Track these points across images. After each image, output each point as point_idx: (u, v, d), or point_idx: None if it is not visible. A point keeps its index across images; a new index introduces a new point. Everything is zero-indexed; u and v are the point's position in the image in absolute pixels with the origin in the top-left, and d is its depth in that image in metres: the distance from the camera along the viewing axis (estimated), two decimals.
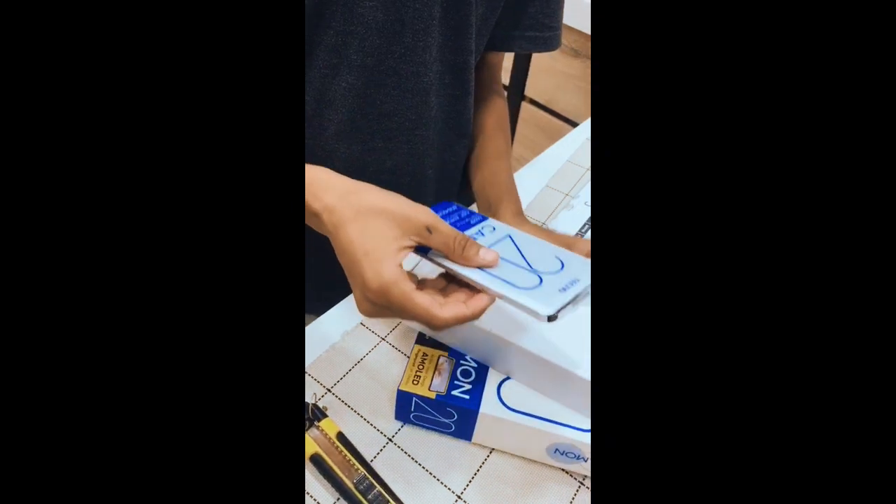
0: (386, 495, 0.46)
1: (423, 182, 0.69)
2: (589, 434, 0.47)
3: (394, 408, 0.51)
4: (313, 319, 0.61)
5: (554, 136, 1.37)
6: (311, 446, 0.48)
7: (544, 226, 0.75)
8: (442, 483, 0.49)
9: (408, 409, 0.49)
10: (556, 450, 0.48)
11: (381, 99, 0.60)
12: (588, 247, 0.53)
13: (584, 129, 0.97)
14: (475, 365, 0.51)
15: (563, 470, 0.50)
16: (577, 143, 0.92)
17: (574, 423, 0.47)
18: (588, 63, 1.35)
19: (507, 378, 0.50)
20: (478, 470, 0.50)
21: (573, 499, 0.48)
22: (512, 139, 1.62)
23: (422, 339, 0.53)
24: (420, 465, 0.50)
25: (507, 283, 0.42)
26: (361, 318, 0.60)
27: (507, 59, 1.50)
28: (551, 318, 0.39)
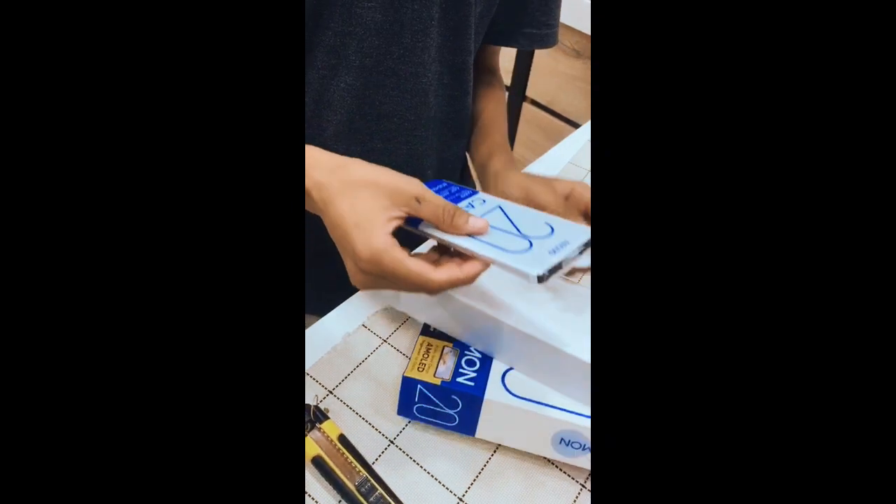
0: (387, 498, 0.46)
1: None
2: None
3: (395, 409, 0.51)
4: (314, 320, 0.61)
5: (555, 138, 1.37)
6: (312, 448, 0.48)
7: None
8: (443, 485, 0.49)
9: (411, 399, 0.49)
10: (562, 439, 0.47)
11: (380, 100, 0.60)
12: (586, 192, 0.53)
13: (586, 131, 0.97)
14: (479, 355, 0.51)
15: (564, 472, 0.50)
16: (578, 145, 0.92)
17: (579, 410, 0.47)
18: (590, 64, 1.35)
19: (511, 368, 0.50)
20: (479, 472, 0.50)
21: (574, 501, 0.48)
22: (513, 140, 1.62)
23: (426, 331, 0.53)
24: (422, 467, 0.49)
25: (498, 248, 0.42)
26: (363, 320, 0.60)
27: (509, 60, 1.50)
28: (541, 279, 0.40)
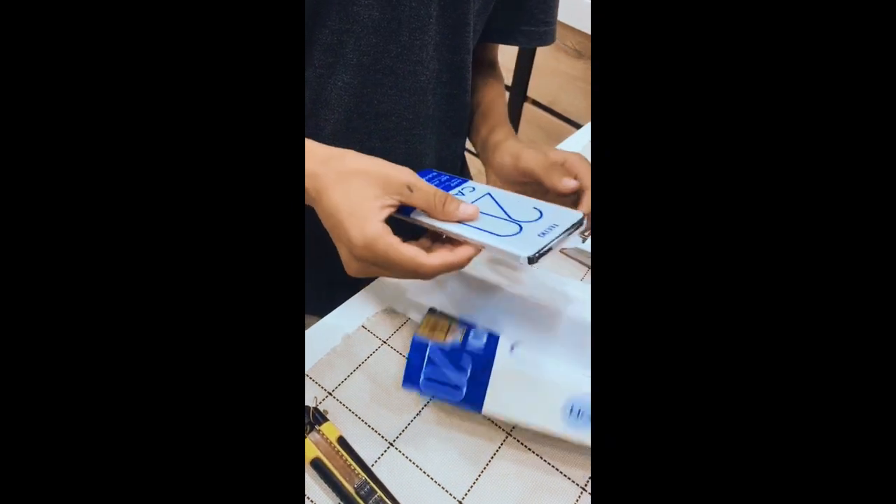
0: (387, 500, 0.46)
1: None
2: None
3: (394, 409, 0.51)
4: (314, 320, 0.60)
5: (556, 138, 1.37)
6: (311, 450, 0.47)
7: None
8: (443, 488, 0.48)
9: (419, 364, 0.47)
10: (572, 408, 0.46)
11: (378, 98, 0.60)
12: (580, 162, 0.53)
13: (587, 132, 0.96)
14: (486, 332, 0.50)
15: (564, 475, 0.50)
16: (579, 146, 0.91)
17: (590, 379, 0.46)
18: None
19: (518, 344, 0.50)
20: (479, 475, 0.49)
21: (575, 503, 0.48)
22: None
23: (432, 312, 0.52)
24: (421, 469, 0.49)
25: (489, 232, 0.44)
26: (363, 321, 0.60)
27: (511, 60, 1.50)
28: (532, 261, 0.41)
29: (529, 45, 0.70)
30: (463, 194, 0.50)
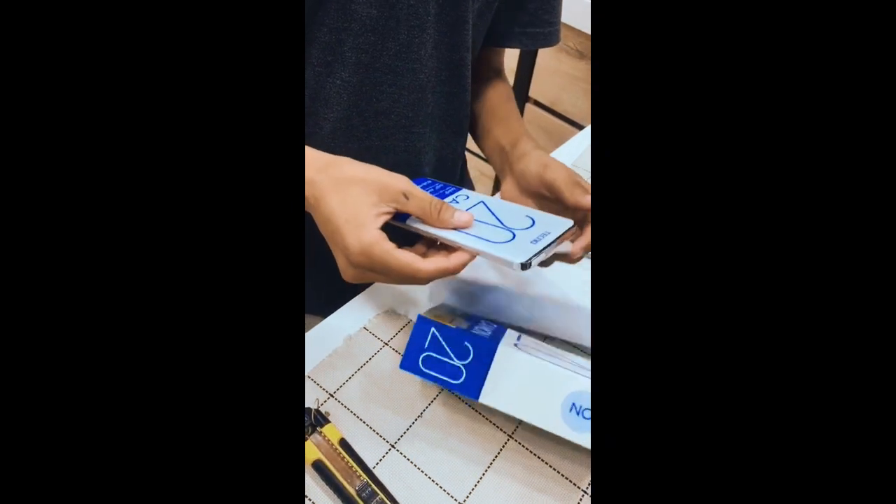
0: (388, 502, 0.45)
1: None
2: None
3: (396, 411, 0.50)
4: (315, 320, 0.60)
5: (558, 139, 1.37)
6: (313, 452, 0.47)
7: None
8: (444, 490, 0.48)
9: (420, 345, 0.47)
10: (573, 405, 0.45)
11: (377, 97, 0.60)
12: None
13: (589, 133, 0.96)
14: (490, 331, 0.50)
15: (565, 477, 0.50)
16: (581, 147, 0.91)
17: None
18: None
19: (522, 338, 0.50)
20: (481, 477, 0.49)
21: None
22: None
23: (442, 306, 0.53)
24: (423, 472, 0.49)
25: (483, 239, 0.45)
26: (364, 322, 0.60)
27: (512, 61, 1.50)
28: (524, 267, 0.42)
29: (534, 46, 0.70)
30: (457, 202, 0.51)
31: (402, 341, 0.59)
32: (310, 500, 0.46)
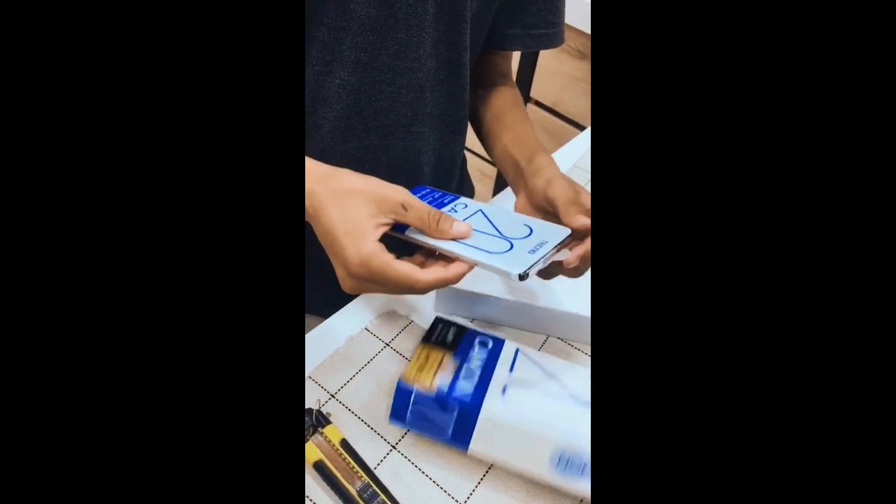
0: (389, 503, 0.46)
1: (421, 179, 0.69)
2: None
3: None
4: (317, 321, 0.60)
5: (559, 140, 1.37)
6: (314, 453, 0.47)
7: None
8: (445, 492, 0.48)
9: (405, 405, 0.48)
10: (560, 457, 0.46)
11: (376, 95, 0.60)
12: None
13: (590, 135, 0.96)
14: (480, 368, 0.50)
15: None
16: (583, 148, 0.91)
17: (580, 433, 0.46)
18: None
19: (511, 383, 0.49)
20: (482, 479, 0.49)
21: None
22: None
23: (428, 339, 0.52)
24: (424, 473, 0.49)
25: (481, 250, 0.45)
26: (366, 323, 0.60)
27: (513, 61, 1.50)
28: (522, 277, 0.42)
29: (539, 47, 0.70)
30: (456, 211, 0.51)
31: (403, 342, 0.59)
32: (311, 500, 0.46)
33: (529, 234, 0.48)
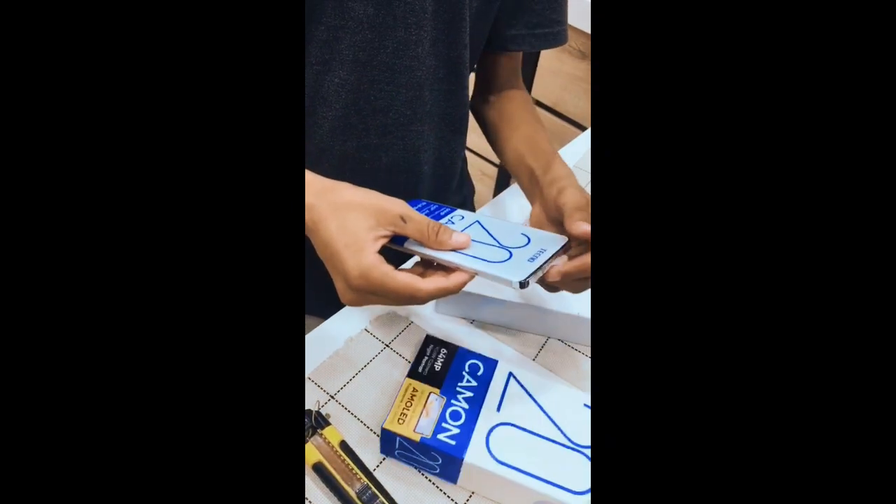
0: None
1: (420, 179, 0.69)
2: (578, 497, 0.45)
3: None
4: (316, 322, 0.60)
5: (560, 140, 1.37)
6: (313, 454, 0.47)
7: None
8: (445, 493, 0.48)
9: (392, 446, 0.49)
10: None
11: (375, 94, 0.60)
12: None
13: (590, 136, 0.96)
14: (466, 406, 0.49)
15: None
16: (584, 148, 0.91)
17: (564, 484, 0.45)
18: None
19: (498, 425, 0.48)
20: None
21: None
22: None
23: (414, 372, 0.52)
24: (423, 474, 0.49)
25: (481, 259, 0.45)
26: (365, 324, 0.60)
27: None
28: (523, 285, 0.43)
29: (544, 47, 0.69)
30: (453, 222, 0.52)
31: (402, 343, 0.59)
32: (310, 502, 0.46)
33: (527, 243, 0.48)
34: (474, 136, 0.75)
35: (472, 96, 0.76)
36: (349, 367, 0.56)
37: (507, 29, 0.67)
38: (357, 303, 0.44)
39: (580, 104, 1.43)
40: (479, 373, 0.52)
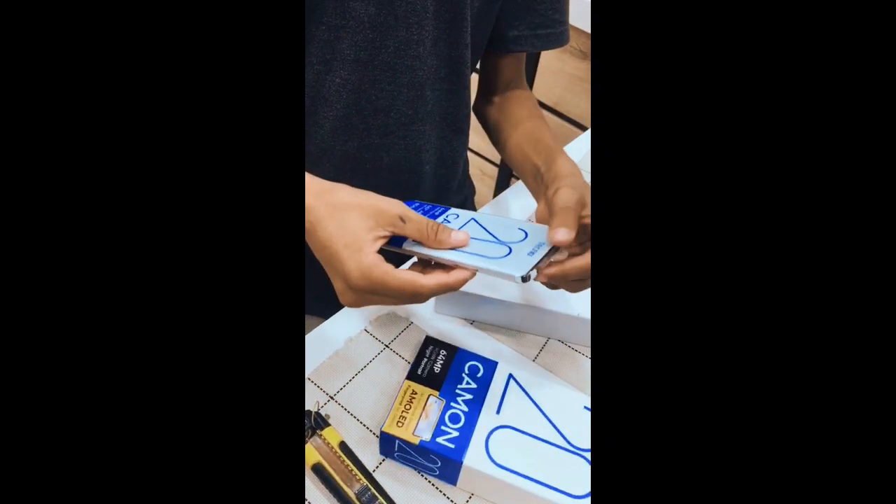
0: None
1: (422, 178, 0.69)
2: (578, 501, 0.45)
3: None
4: (316, 322, 0.60)
5: (561, 140, 1.36)
6: (312, 455, 0.47)
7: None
8: (444, 494, 0.48)
9: (391, 448, 0.48)
10: None
11: (376, 94, 0.60)
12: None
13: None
14: (466, 409, 0.49)
15: None
16: (584, 148, 0.91)
17: (564, 488, 0.45)
18: None
19: (498, 428, 0.48)
20: None
21: None
22: None
23: (413, 374, 0.51)
24: (422, 475, 0.49)
25: (481, 256, 0.45)
26: (365, 324, 0.60)
27: None
28: (525, 279, 0.43)
29: (547, 47, 0.69)
30: (448, 221, 0.52)
31: (402, 344, 0.58)
32: (309, 503, 0.46)
33: (525, 238, 0.48)
34: (474, 136, 0.75)
35: (476, 98, 0.76)
36: (349, 368, 0.56)
37: (510, 30, 0.66)
38: (357, 303, 0.44)
39: (581, 104, 1.43)
40: (479, 374, 0.52)
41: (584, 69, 1.39)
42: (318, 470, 0.47)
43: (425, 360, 0.52)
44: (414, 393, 0.50)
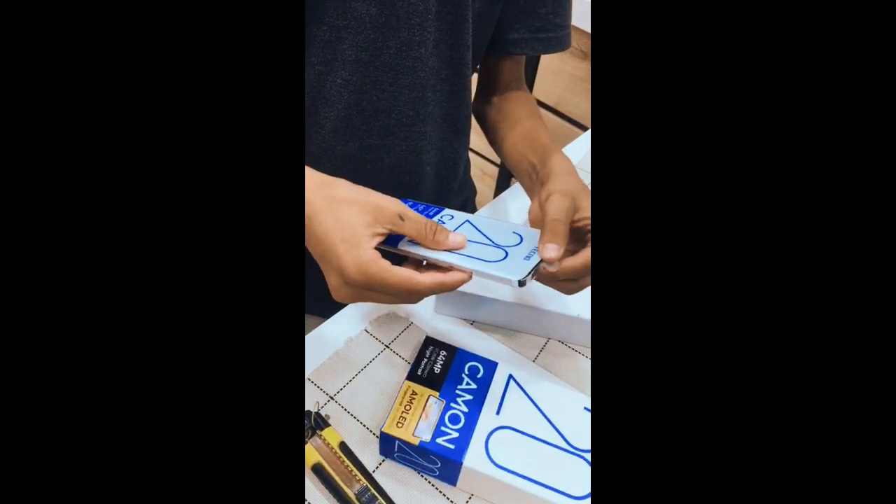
0: None
1: (423, 179, 0.69)
2: (578, 502, 0.45)
3: None
4: (316, 322, 0.60)
5: (562, 140, 1.36)
6: (312, 456, 0.47)
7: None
8: (444, 495, 0.48)
9: (391, 449, 0.48)
10: None
11: (377, 95, 0.60)
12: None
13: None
14: (466, 410, 0.49)
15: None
16: (584, 148, 0.91)
17: (563, 488, 0.45)
18: None
19: (498, 428, 0.48)
20: None
21: None
22: None
23: (413, 374, 0.51)
24: (422, 476, 0.49)
25: (478, 259, 0.45)
26: (365, 325, 0.60)
27: None
28: (522, 283, 0.43)
29: (547, 51, 0.69)
30: (443, 222, 0.51)
31: (402, 344, 0.58)
32: (309, 503, 0.46)
33: (520, 242, 0.48)
34: (475, 137, 0.75)
35: (475, 98, 0.76)
36: (349, 368, 0.56)
37: (510, 32, 0.66)
38: (351, 298, 0.44)
39: (581, 104, 1.43)
40: (479, 375, 0.52)
41: (584, 69, 1.39)
42: (318, 470, 0.47)
43: (425, 360, 0.52)
44: (414, 393, 0.50)
